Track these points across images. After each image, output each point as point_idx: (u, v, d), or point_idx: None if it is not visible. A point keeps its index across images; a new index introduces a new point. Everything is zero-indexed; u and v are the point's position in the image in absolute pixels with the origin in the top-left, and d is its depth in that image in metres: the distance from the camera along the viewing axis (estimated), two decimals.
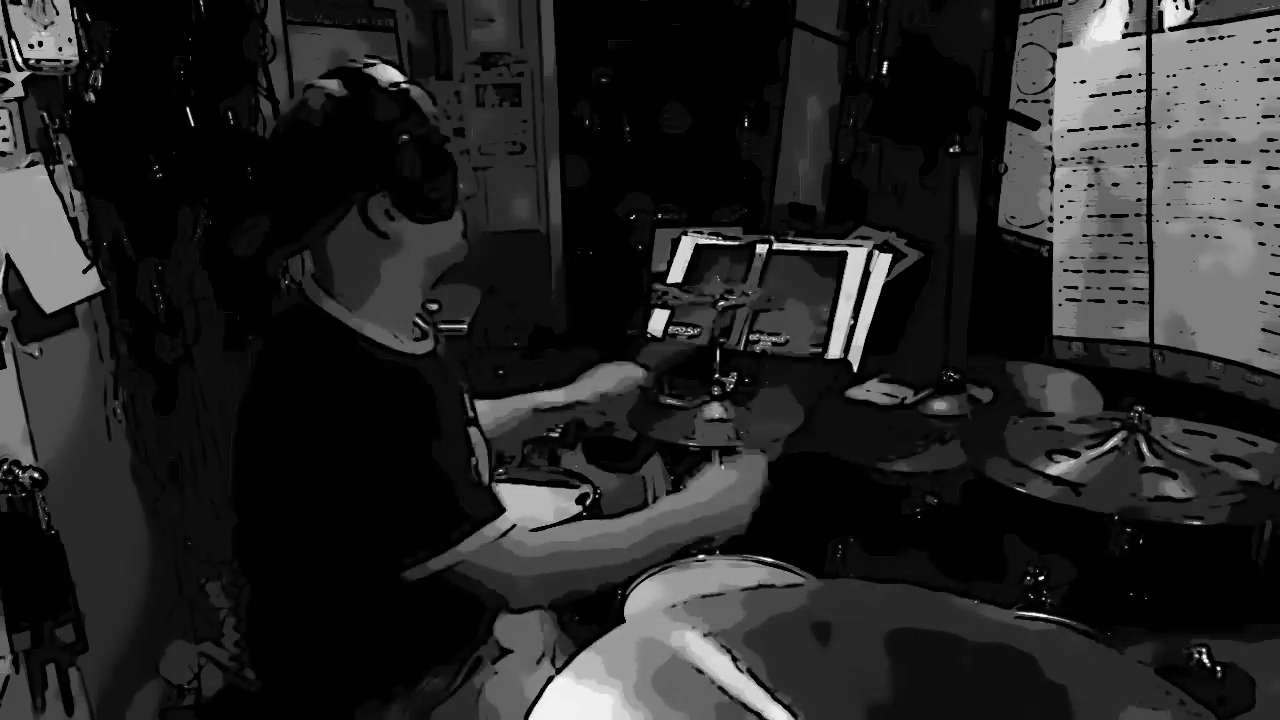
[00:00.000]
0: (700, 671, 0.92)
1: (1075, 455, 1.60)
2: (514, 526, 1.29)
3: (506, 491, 2.23)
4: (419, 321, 1.45)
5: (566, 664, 0.94)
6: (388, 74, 1.32)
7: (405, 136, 1.28)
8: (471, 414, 1.53)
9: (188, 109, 2.22)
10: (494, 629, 1.51)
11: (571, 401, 1.89)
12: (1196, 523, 1.41)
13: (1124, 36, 2.18)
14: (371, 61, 1.34)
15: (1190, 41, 2.03)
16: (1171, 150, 2.10)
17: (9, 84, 1.84)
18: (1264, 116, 1.90)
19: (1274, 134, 1.89)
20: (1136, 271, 2.22)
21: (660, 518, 1.41)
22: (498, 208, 3.83)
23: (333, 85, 1.29)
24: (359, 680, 1.35)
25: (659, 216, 3.50)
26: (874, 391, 2.22)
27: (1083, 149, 2.30)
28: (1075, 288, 2.37)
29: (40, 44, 1.87)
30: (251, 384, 1.36)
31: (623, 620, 1.67)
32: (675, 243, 2.38)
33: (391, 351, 1.34)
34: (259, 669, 1.51)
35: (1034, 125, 2.44)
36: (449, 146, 1.35)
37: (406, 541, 1.25)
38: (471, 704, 1.44)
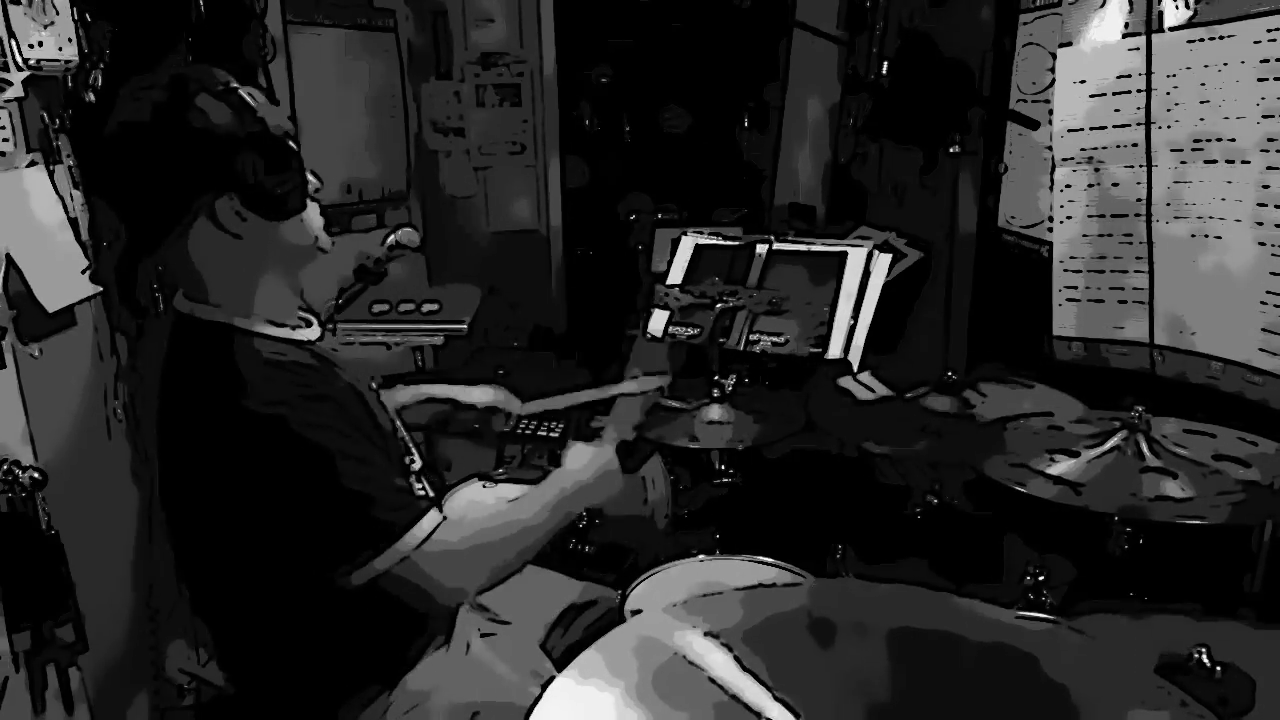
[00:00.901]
0: (700, 671, 0.92)
1: (1075, 455, 1.60)
2: (439, 525, 1.29)
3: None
4: (303, 314, 1.45)
5: (567, 664, 0.94)
6: (211, 75, 1.31)
7: (239, 136, 1.27)
8: (384, 407, 1.50)
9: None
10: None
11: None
12: (1197, 522, 1.41)
13: (1124, 36, 2.18)
14: (198, 67, 1.35)
15: (1190, 41, 2.03)
16: (1171, 150, 2.10)
17: (9, 84, 1.84)
18: (1264, 116, 1.90)
19: (1274, 134, 1.89)
20: (1136, 271, 2.22)
21: (555, 490, 1.46)
22: (498, 208, 3.82)
23: (158, 92, 1.27)
24: (330, 681, 1.36)
25: (659, 216, 3.50)
26: (856, 385, 2.22)
27: (1083, 149, 2.30)
28: (1075, 288, 2.37)
29: (40, 44, 1.87)
30: (162, 407, 1.35)
31: (623, 620, 1.67)
32: (675, 243, 2.38)
33: (280, 341, 1.34)
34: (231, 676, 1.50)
35: (1034, 125, 2.44)
36: (290, 141, 1.34)
37: (329, 553, 1.25)
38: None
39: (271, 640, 1.37)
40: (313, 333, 1.42)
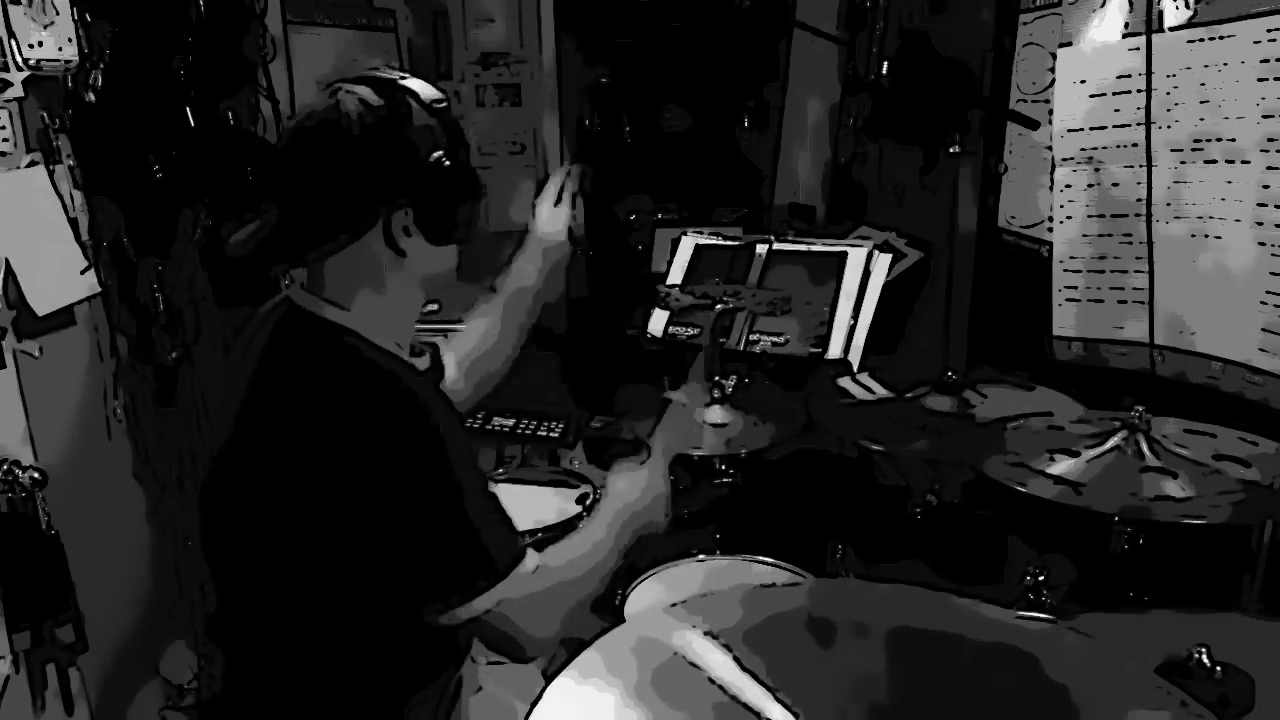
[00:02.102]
0: (700, 671, 0.92)
1: (1075, 455, 1.60)
2: (538, 568, 1.23)
3: (505, 492, 2.25)
4: (416, 342, 1.41)
5: (567, 664, 0.94)
6: (427, 89, 1.27)
7: (441, 155, 1.24)
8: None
9: (188, 109, 2.22)
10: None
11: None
12: (1197, 522, 1.41)
13: (1124, 36, 2.18)
14: (404, 74, 1.28)
15: (1190, 41, 2.03)
16: (1171, 150, 2.10)
17: (9, 84, 1.84)
18: (1264, 116, 1.90)
19: (1274, 134, 1.89)
20: (1136, 271, 2.22)
21: (617, 520, 1.39)
22: (498, 208, 3.82)
23: (367, 93, 1.23)
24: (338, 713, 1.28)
25: (659, 216, 3.50)
26: (854, 384, 2.22)
27: (1083, 149, 2.30)
28: (1075, 288, 2.37)
29: (40, 44, 1.87)
30: (250, 397, 1.26)
31: (623, 620, 1.67)
32: (675, 243, 2.38)
33: (406, 367, 1.28)
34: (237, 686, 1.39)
35: (1034, 125, 2.44)
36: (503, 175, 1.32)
37: (432, 586, 1.18)
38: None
39: (296, 669, 1.26)
40: (424, 363, 1.38)
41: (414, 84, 1.27)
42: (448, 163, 1.25)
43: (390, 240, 1.24)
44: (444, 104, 1.27)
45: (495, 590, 1.18)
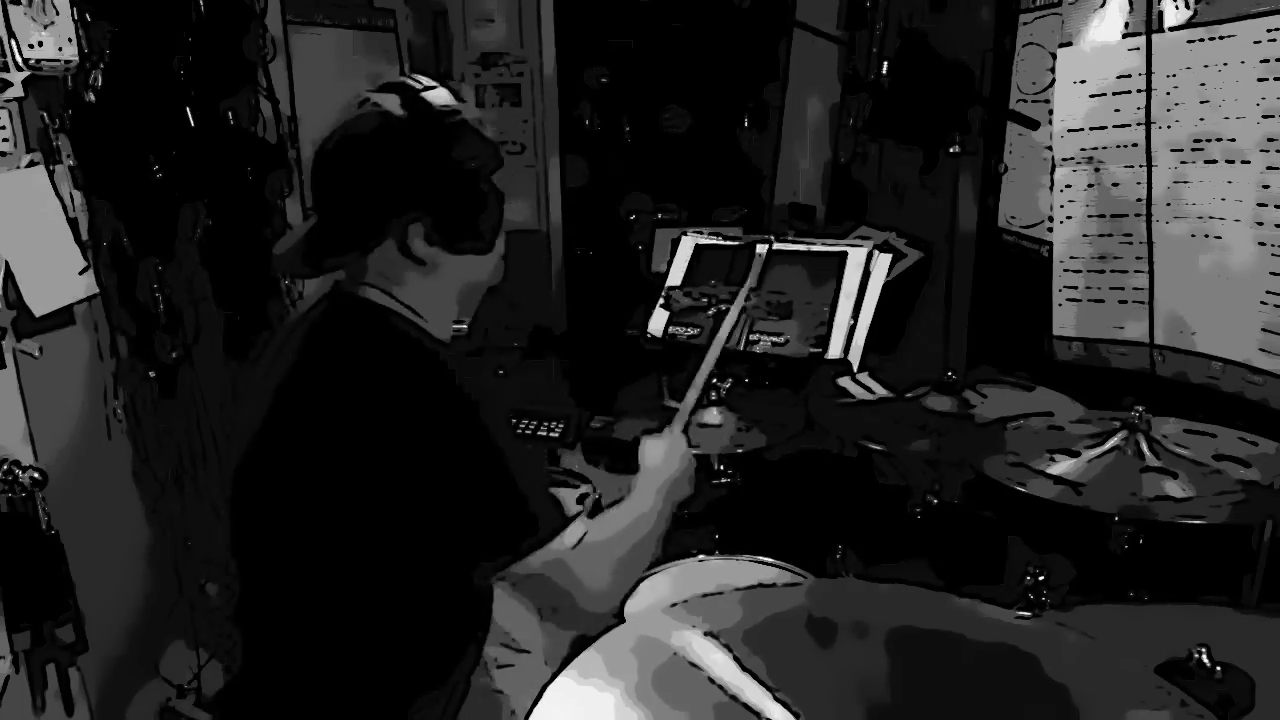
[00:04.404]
0: (700, 671, 0.92)
1: (1075, 455, 1.60)
2: (584, 537, 1.23)
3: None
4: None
5: (567, 664, 0.94)
6: (444, 97, 1.27)
7: (458, 166, 1.24)
8: None
9: (188, 109, 2.22)
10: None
11: None
12: (1197, 522, 1.41)
13: (1124, 36, 2.18)
14: (431, 84, 1.28)
15: (1190, 41, 2.03)
16: (1171, 150, 2.10)
17: (9, 84, 1.84)
18: (1264, 116, 1.90)
19: (1274, 134, 1.89)
20: (1136, 271, 2.22)
21: (648, 494, 1.40)
22: None
23: (391, 103, 1.24)
24: (348, 709, 1.27)
25: (659, 216, 3.50)
26: (854, 384, 2.22)
27: (1083, 149, 2.30)
28: (1075, 288, 2.37)
29: (40, 44, 1.87)
30: (295, 372, 1.27)
31: (623, 620, 1.67)
32: (675, 243, 2.38)
33: (438, 341, 1.28)
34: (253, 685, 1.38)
35: (1034, 125, 2.44)
36: (499, 176, 1.30)
37: (482, 545, 1.19)
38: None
39: (315, 659, 1.27)
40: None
41: (433, 94, 1.26)
42: (464, 173, 1.25)
43: (406, 250, 1.24)
44: (462, 114, 1.26)
45: (544, 550, 1.18)
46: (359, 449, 1.17)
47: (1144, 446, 1.57)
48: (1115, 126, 2.22)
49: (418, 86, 1.27)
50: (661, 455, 1.48)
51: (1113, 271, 2.28)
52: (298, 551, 1.25)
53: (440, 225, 1.25)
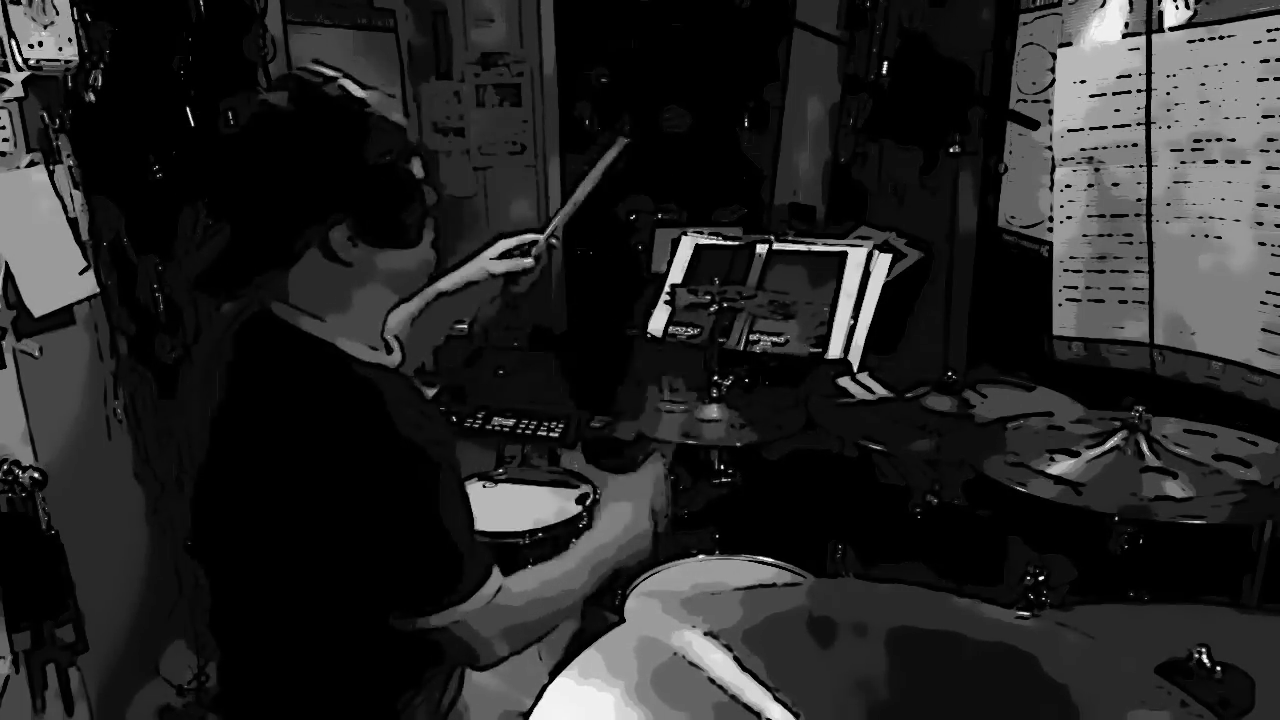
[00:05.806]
0: (700, 671, 0.92)
1: (1075, 455, 1.60)
2: (501, 587, 1.22)
3: (507, 492, 2.25)
4: (386, 337, 1.35)
5: (567, 663, 0.94)
6: (342, 87, 1.19)
7: (368, 158, 1.17)
8: None
9: (188, 109, 2.22)
10: None
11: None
12: (1197, 522, 1.41)
13: (1124, 36, 2.18)
14: (332, 74, 1.20)
15: (1190, 41, 2.03)
16: (1171, 150, 2.10)
17: (9, 84, 1.84)
18: (1264, 116, 1.90)
19: (1274, 134, 1.89)
20: (1136, 271, 2.22)
21: (594, 554, 1.38)
22: (498, 208, 3.82)
23: (279, 100, 1.17)
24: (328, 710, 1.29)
25: (659, 216, 3.50)
26: (854, 384, 2.22)
27: (1083, 149, 2.30)
28: (1075, 288, 2.37)
29: (40, 44, 1.87)
30: (226, 406, 1.23)
31: (623, 620, 1.67)
32: (675, 243, 2.38)
33: (372, 368, 1.24)
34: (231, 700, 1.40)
35: (1034, 125, 2.44)
36: (415, 163, 1.24)
37: (403, 594, 1.18)
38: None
39: (283, 668, 1.28)
40: (394, 359, 1.32)
41: (327, 85, 1.19)
42: (377, 168, 1.18)
43: (331, 255, 1.19)
44: (366, 103, 1.19)
45: (458, 609, 1.17)
46: (287, 485, 1.15)
47: (1144, 446, 1.57)
48: (1115, 126, 2.22)
49: (313, 79, 1.20)
50: (617, 525, 1.44)
51: (1113, 271, 2.28)
52: (249, 577, 1.27)
53: (362, 223, 1.18)
